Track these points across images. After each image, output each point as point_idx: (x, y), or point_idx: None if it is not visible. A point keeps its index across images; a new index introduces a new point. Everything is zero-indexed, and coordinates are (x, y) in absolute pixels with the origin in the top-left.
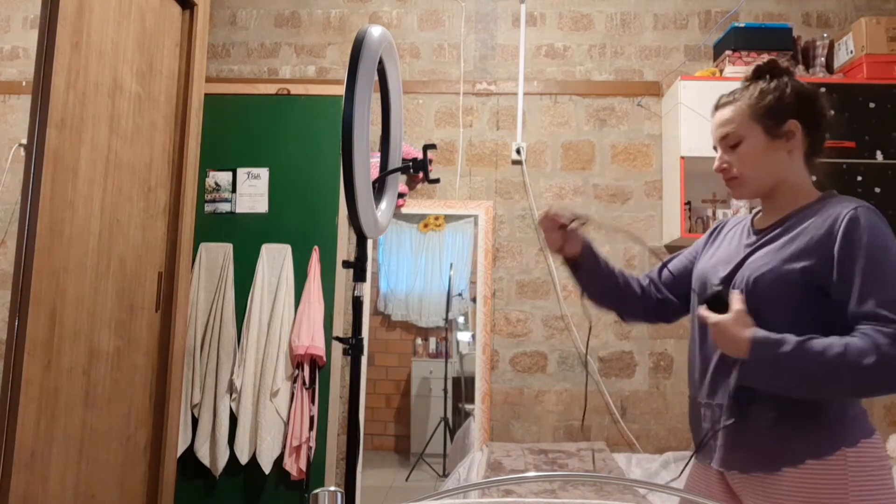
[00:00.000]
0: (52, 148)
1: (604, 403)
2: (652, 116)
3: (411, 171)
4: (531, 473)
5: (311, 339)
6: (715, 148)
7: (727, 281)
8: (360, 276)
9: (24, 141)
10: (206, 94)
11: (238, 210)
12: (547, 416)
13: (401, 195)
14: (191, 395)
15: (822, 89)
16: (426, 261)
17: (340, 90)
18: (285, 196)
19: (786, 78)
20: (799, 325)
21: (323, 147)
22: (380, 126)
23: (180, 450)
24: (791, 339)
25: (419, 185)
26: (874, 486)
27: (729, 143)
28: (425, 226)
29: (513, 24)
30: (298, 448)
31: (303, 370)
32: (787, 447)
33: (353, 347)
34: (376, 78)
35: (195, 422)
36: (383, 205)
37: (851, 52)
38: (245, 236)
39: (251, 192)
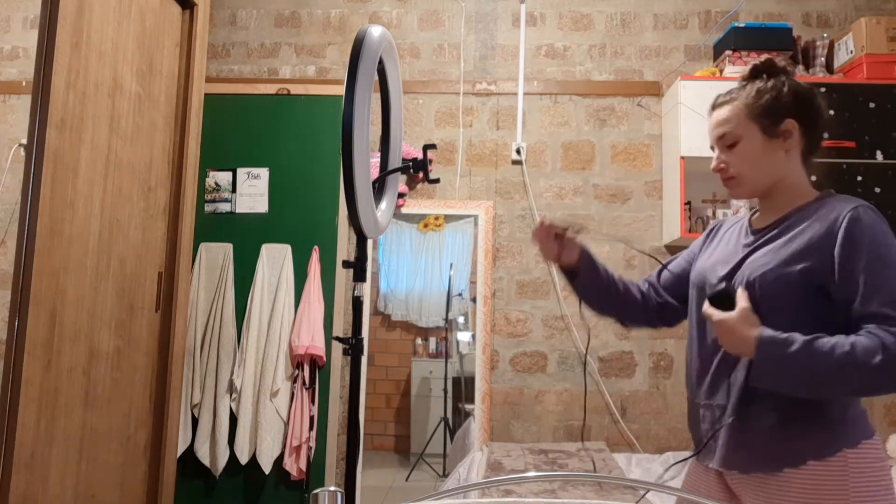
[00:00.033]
0: (52, 148)
1: (604, 403)
2: (652, 116)
3: (411, 171)
4: (531, 473)
5: (311, 339)
6: (712, 148)
7: (726, 281)
8: (360, 276)
9: (24, 141)
10: (206, 94)
11: (238, 210)
12: (547, 416)
13: (401, 195)
14: (191, 395)
15: (822, 89)
16: (426, 261)
17: (340, 90)
18: (285, 196)
19: (783, 77)
20: (799, 325)
21: (323, 147)
22: (380, 126)
23: (180, 450)
24: (798, 338)
25: (419, 185)
26: (874, 487)
27: (726, 142)
28: (425, 226)
29: (513, 24)
30: (298, 448)
31: (303, 370)
32: (790, 448)
33: (353, 347)
34: (376, 78)
35: (195, 422)
36: (383, 205)
37: (851, 52)
38: (245, 236)
39: (251, 192)
